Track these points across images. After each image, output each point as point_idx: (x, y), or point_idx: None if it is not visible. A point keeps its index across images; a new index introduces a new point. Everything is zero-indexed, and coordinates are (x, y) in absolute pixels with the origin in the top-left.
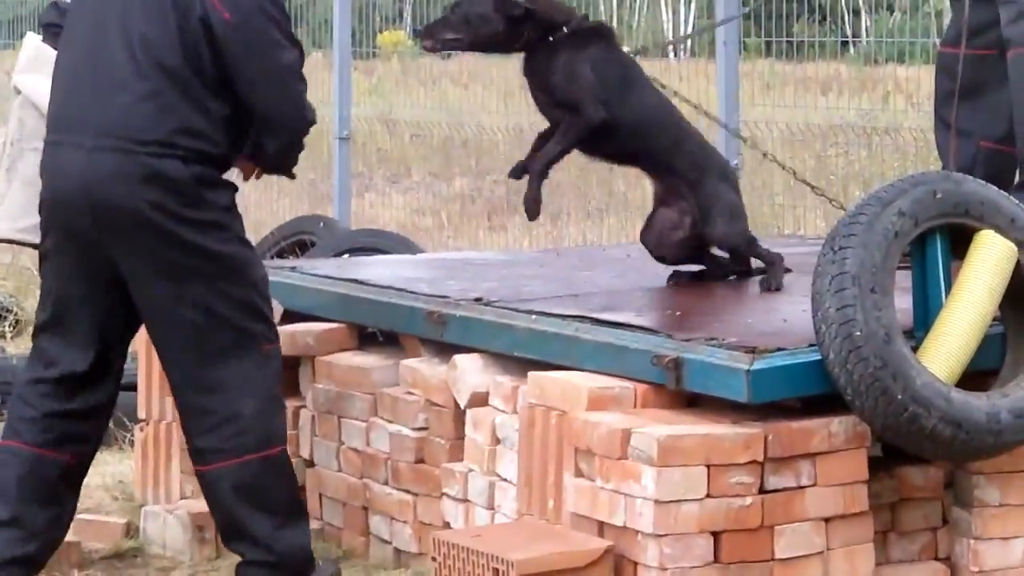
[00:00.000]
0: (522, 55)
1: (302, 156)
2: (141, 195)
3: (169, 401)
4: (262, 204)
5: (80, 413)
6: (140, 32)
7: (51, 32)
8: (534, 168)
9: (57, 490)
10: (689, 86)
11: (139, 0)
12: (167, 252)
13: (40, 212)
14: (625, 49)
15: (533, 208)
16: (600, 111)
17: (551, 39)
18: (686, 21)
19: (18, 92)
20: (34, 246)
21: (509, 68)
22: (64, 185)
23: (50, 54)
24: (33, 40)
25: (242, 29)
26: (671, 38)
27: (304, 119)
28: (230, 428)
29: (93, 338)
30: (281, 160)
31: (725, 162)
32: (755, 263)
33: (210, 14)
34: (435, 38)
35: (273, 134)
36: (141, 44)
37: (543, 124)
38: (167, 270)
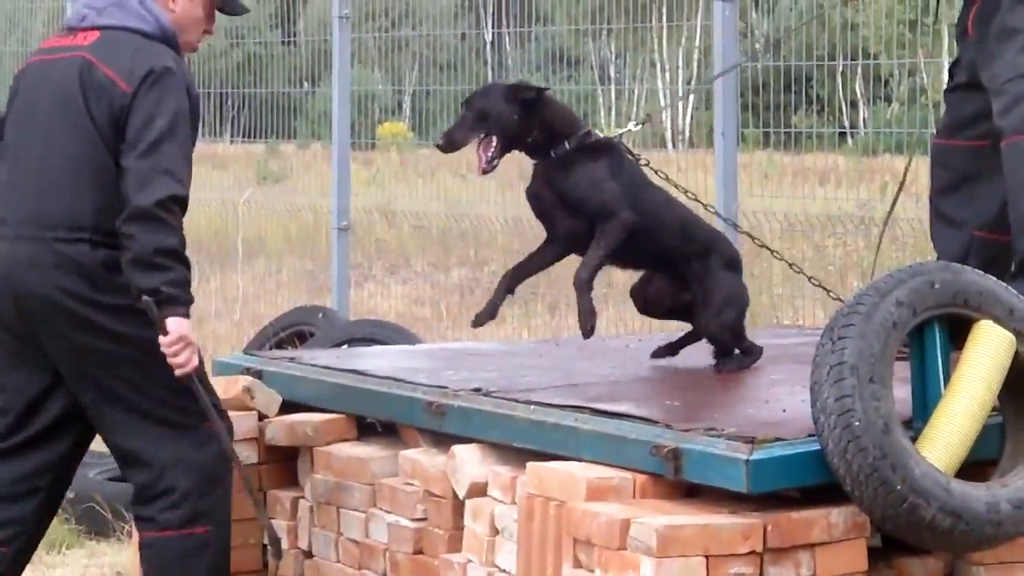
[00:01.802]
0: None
1: (301, 246)
2: (54, 282)
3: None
4: (260, 295)
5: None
6: (54, 124)
7: None
8: (581, 279)
9: None
10: (688, 177)
11: (56, 95)
12: (87, 338)
13: None
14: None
15: (588, 320)
16: (632, 212)
17: (559, 152)
18: (684, 113)
19: None
20: None
21: (507, 159)
22: None
23: None
24: None
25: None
26: (672, 135)
27: None
28: (161, 502)
29: (22, 415)
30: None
31: (731, 249)
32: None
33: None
34: (457, 143)
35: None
36: (53, 134)
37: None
38: (91, 356)
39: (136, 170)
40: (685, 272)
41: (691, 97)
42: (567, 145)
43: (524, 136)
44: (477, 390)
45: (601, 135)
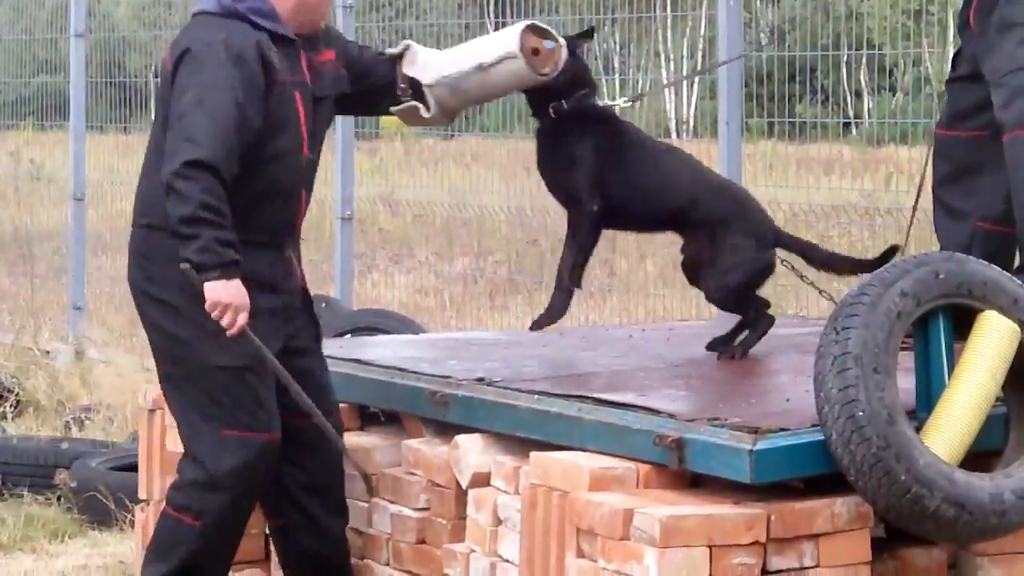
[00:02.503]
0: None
1: (305, 236)
2: (129, 268)
3: (170, 480)
4: None
5: None
6: (156, 113)
7: None
8: (558, 278)
9: None
10: None
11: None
12: (146, 329)
13: None
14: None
15: (547, 317)
16: (595, 201)
17: (557, 111)
18: (688, 103)
19: None
20: None
21: (510, 149)
22: None
23: None
24: None
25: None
26: (676, 126)
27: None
28: (174, 481)
29: None
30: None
31: (758, 220)
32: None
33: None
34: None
35: None
36: (154, 122)
37: (545, 204)
38: (151, 343)
39: (166, 147)
40: (698, 235)
41: (695, 86)
42: (564, 104)
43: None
44: (480, 379)
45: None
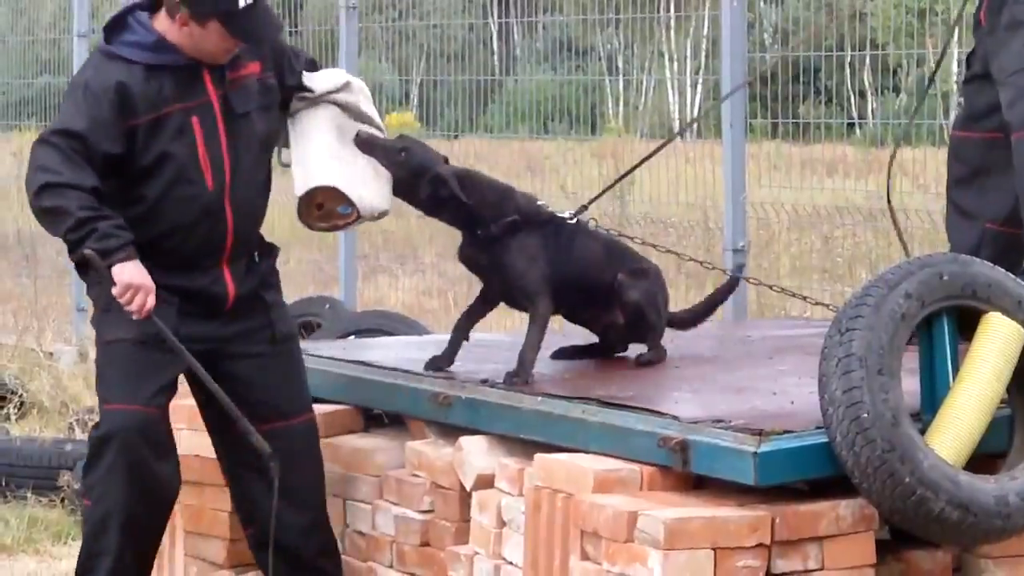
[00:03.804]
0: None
1: (309, 238)
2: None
3: None
4: None
5: None
6: None
7: None
8: (524, 368)
9: None
10: (696, 168)
11: None
12: None
13: None
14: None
15: (517, 376)
16: (549, 302)
17: (483, 233)
18: (692, 103)
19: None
20: None
21: (514, 150)
22: None
23: None
24: None
25: None
26: (680, 126)
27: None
28: None
29: None
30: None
31: (641, 262)
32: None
33: None
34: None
35: None
36: None
37: (550, 205)
38: None
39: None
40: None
41: (699, 87)
42: (492, 229)
43: (437, 214)
44: (484, 381)
45: (541, 207)
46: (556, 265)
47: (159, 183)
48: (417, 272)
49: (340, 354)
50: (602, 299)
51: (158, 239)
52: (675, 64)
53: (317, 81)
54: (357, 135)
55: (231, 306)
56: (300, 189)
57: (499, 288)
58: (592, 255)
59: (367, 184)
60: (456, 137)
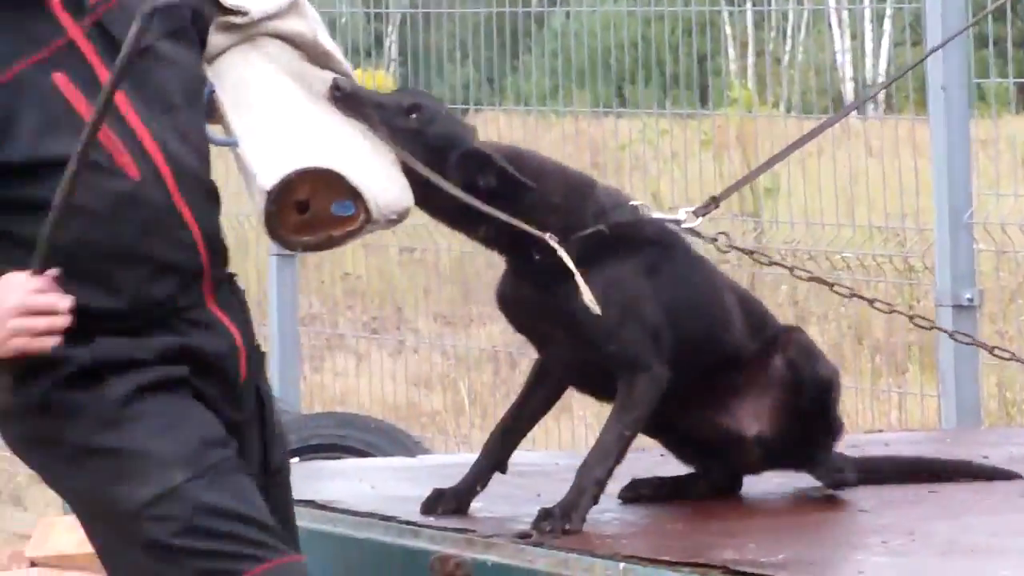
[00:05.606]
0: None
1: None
2: None
3: None
4: None
5: None
6: None
7: None
8: (589, 472)
9: None
10: (884, 163)
11: None
12: None
13: None
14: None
15: (568, 523)
16: (664, 373)
17: (546, 259)
18: (875, 55)
19: None
20: None
21: (565, 130)
22: None
23: None
24: None
25: None
26: (856, 93)
27: None
28: None
29: None
30: None
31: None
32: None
33: None
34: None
35: None
36: None
37: None
38: None
39: None
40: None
41: (887, 28)
42: (562, 248)
43: (464, 222)
44: (525, 537)
45: (649, 212)
46: (670, 314)
47: (50, 185)
48: (403, 345)
49: None
50: (721, 388)
51: (101, 276)
52: None
53: None
54: (334, 85)
55: (245, 374)
56: (268, 178)
57: (572, 355)
58: (719, 302)
59: (373, 166)
60: (464, 111)
